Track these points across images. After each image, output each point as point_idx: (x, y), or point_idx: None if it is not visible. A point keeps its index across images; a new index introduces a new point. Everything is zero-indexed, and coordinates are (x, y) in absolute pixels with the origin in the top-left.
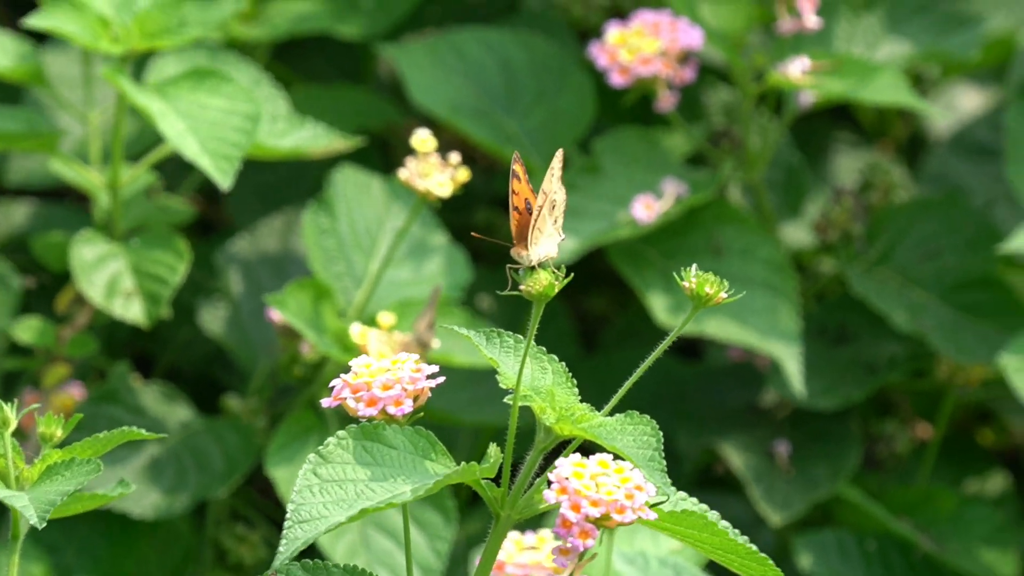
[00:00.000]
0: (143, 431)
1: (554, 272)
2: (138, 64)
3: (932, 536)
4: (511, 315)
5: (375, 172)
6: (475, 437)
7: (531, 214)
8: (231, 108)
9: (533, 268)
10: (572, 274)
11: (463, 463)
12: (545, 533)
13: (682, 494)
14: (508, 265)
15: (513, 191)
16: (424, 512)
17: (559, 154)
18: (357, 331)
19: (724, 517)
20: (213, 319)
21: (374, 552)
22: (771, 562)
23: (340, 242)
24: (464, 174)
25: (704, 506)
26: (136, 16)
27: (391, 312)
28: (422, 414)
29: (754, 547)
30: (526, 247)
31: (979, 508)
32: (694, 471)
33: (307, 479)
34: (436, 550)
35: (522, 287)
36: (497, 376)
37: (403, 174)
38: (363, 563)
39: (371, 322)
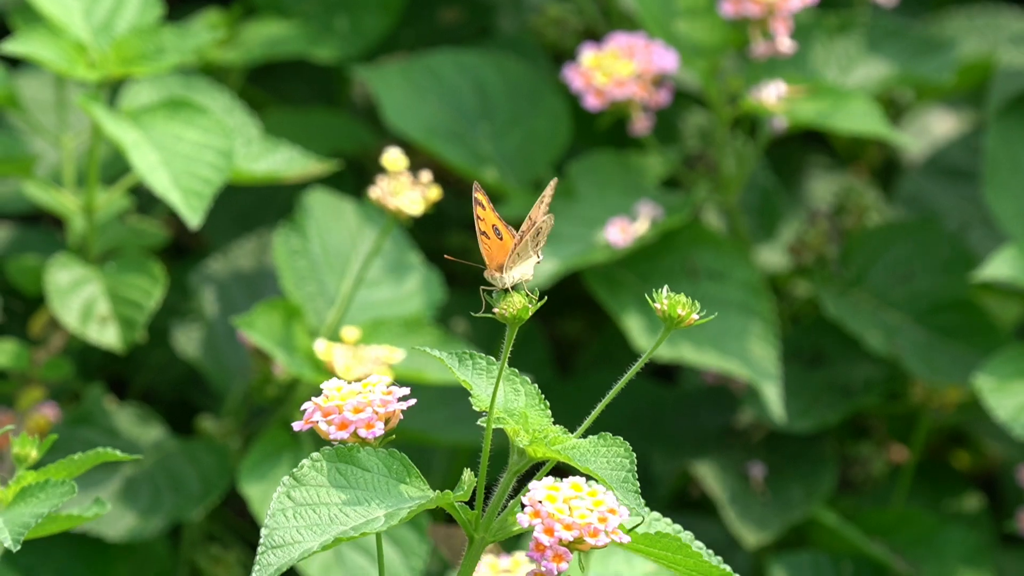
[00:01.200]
0: (118, 452)
1: (528, 295)
2: (113, 88)
3: (907, 558)
4: (486, 338)
5: (350, 195)
6: (451, 457)
7: (500, 238)
8: (205, 142)
9: (507, 290)
10: (546, 297)
11: (437, 491)
12: (520, 556)
13: (656, 515)
14: (482, 287)
15: (478, 217)
16: (398, 529)
17: (553, 182)
18: (322, 347)
19: (699, 539)
20: (187, 341)
21: (349, 569)
22: None
23: (312, 263)
24: (435, 192)
25: (678, 527)
26: (114, 42)
27: (363, 332)
28: (394, 436)
29: (728, 568)
30: (500, 270)
31: (954, 530)
32: (669, 493)
33: (281, 502)
34: (411, 567)
35: (496, 310)
36: (470, 399)
37: (374, 193)
38: None
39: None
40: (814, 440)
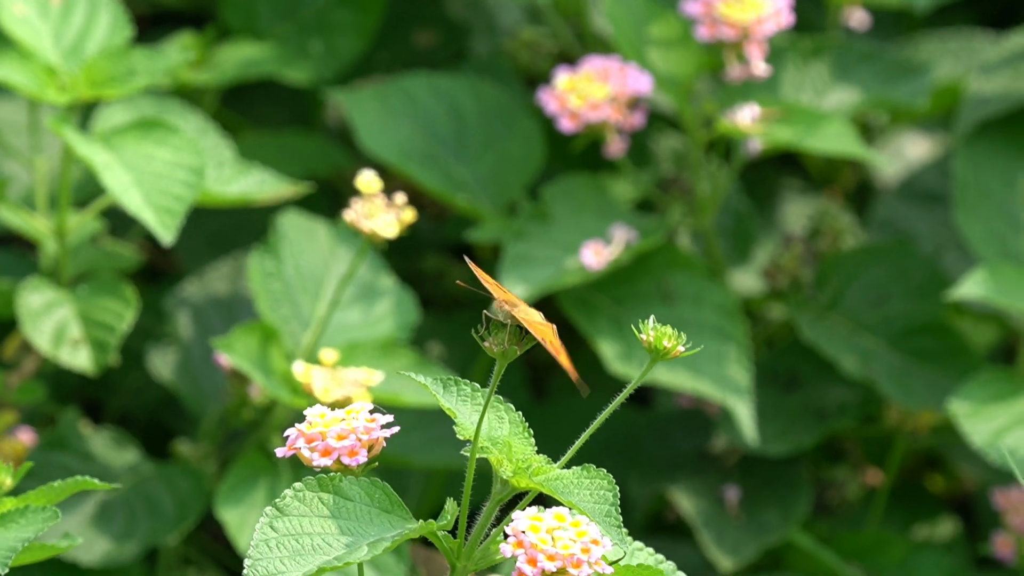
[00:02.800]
0: (96, 480)
1: (521, 334)
2: (86, 110)
3: None
4: (460, 362)
5: (323, 218)
6: (426, 480)
7: (503, 292)
8: (177, 160)
9: (504, 325)
10: (536, 341)
11: (420, 521)
12: None
13: (638, 544)
14: (485, 311)
15: (484, 282)
16: None
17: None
18: (300, 369)
19: (674, 562)
20: (163, 364)
21: None
22: None
23: (286, 285)
24: (410, 215)
25: (660, 556)
26: (83, 65)
27: (340, 355)
28: (376, 464)
29: None
30: (509, 304)
31: (929, 554)
32: (645, 517)
33: (264, 533)
34: None
35: (486, 343)
36: (455, 427)
37: (348, 215)
38: None
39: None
40: (789, 464)
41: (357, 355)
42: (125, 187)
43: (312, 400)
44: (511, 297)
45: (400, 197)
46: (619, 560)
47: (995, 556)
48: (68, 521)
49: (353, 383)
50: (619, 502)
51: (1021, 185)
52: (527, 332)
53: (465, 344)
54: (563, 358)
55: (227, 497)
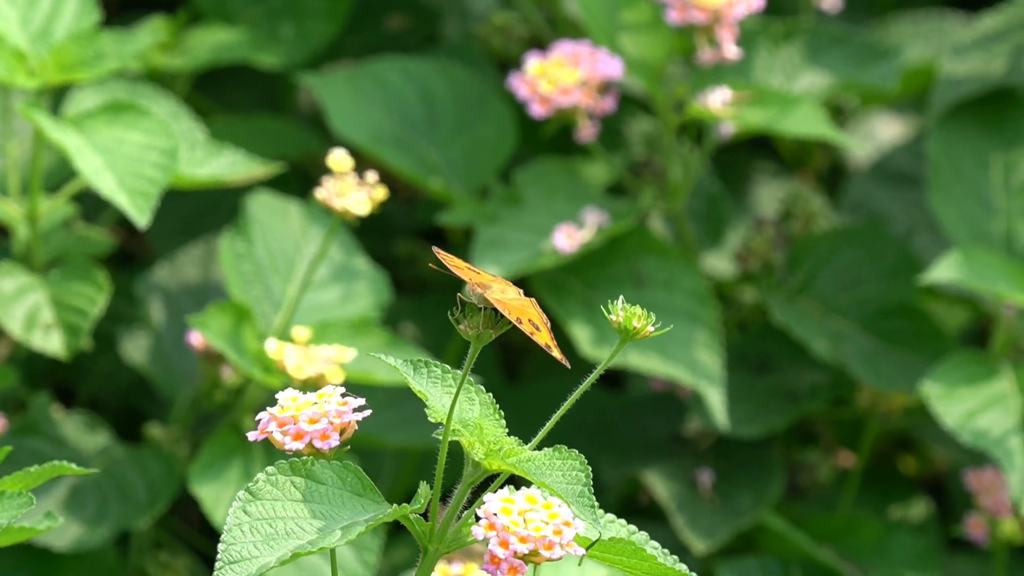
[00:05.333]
0: (72, 465)
1: (496, 317)
2: (57, 94)
3: (856, 564)
4: (433, 341)
5: (295, 198)
6: (400, 458)
7: (477, 273)
8: (149, 143)
9: (479, 308)
10: (511, 323)
11: (394, 505)
12: (472, 566)
13: (610, 517)
14: (459, 294)
15: (453, 268)
16: None
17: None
18: (273, 347)
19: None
20: (134, 348)
21: (303, 567)
22: None
23: (257, 267)
24: (381, 193)
25: (632, 528)
26: (52, 49)
27: (311, 334)
28: (348, 448)
29: (684, 567)
30: (482, 287)
31: (902, 535)
32: (618, 500)
33: (237, 517)
34: (364, 561)
35: (461, 326)
36: (426, 410)
37: (320, 194)
38: None
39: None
40: (761, 446)
41: (329, 334)
42: (98, 171)
43: (285, 378)
44: (484, 278)
45: (372, 175)
46: (594, 543)
47: (967, 537)
48: (40, 506)
49: (326, 360)
50: (591, 483)
51: (994, 166)
52: (503, 315)
53: (437, 326)
54: (543, 335)
55: (201, 474)
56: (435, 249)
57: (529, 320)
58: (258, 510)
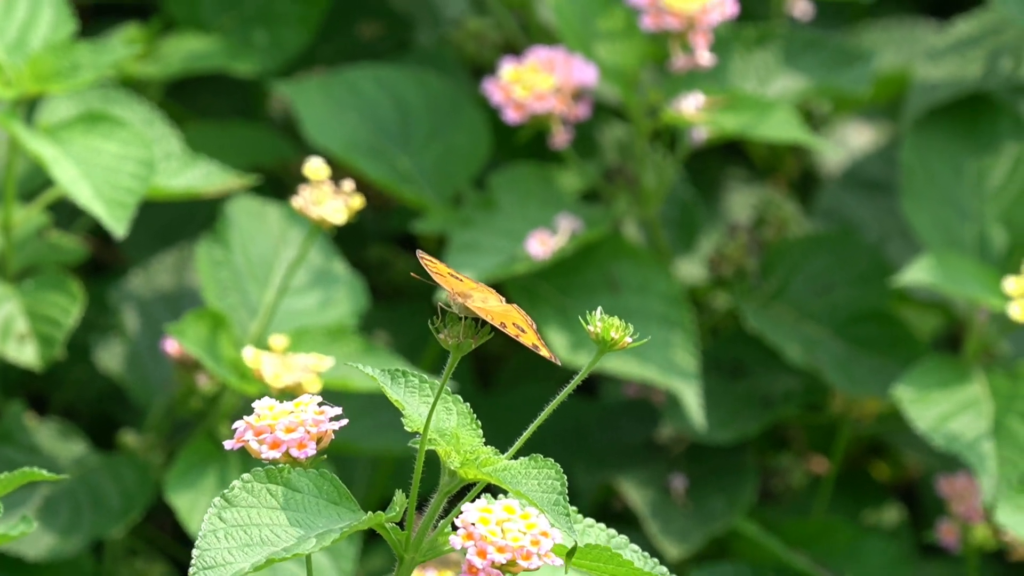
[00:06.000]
0: (44, 472)
1: (475, 326)
2: (31, 102)
3: (829, 568)
4: (408, 348)
5: (274, 200)
6: (374, 465)
7: (459, 280)
8: (125, 153)
9: (459, 317)
10: (492, 333)
11: (369, 512)
12: (448, 575)
13: (589, 521)
14: (440, 302)
15: (434, 273)
16: None
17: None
18: (250, 355)
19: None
20: (109, 357)
21: (279, 574)
22: None
23: (235, 273)
24: (358, 201)
25: (612, 531)
26: (28, 59)
27: (288, 340)
28: (325, 457)
29: (664, 569)
30: (462, 296)
31: (875, 541)
32: (592, 506)
33: (212, 523)
34: (341, 569)
35: (441, 335)
36: (402, 419)
37: (297, 202)
38: None
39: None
40: (734, 452)
41: (306, 341)
42: (75, 180)
43: (262, 385)
44: (467, 285)
45: (348, 183)
46: (572, 551)
47: (940, 543)
48: (13, 516)
49: (303, 369)
50: (567, 492)
51: (967, 172)
52: (484, 324)
53: (412, 333)
54: (529, 336)
55: (177, 483)
56: (419, 253)
57: (514, 323)
58: (233, 517)
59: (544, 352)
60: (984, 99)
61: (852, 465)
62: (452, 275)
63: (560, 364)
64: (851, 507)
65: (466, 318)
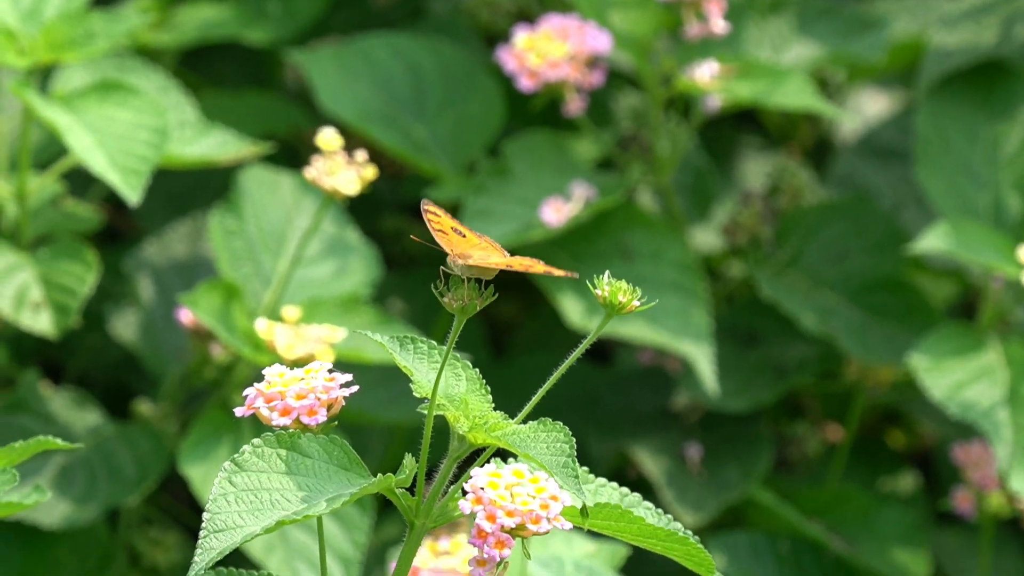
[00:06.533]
0: (58, 440)
1: (478, 288)
2: (44, 72)
3: (844, 537)
4: (422, 317)
5: (287, 169)
6: (388, 436)
7: (462, 236)
8: (139, 121)
9: (462, 280)
10: (497, 294)
11: (379, 475)
12: (460, 538)
13: (601, 481)
14: (443, 267)
15: (433, 226)
16: None
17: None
18: (263, 326)
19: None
20: (123, 326)
21: (292, 546)
22: (692, 540)
23: (248, 243)
24: (371, 172)
25: (625, 490)
26: (42, 28)
27: (301, 312)
28: (336, 423)
29: (678, 525)
30: (463, 258)
31: (890, 509)
32: (606, 475)
33: (223, 488)
34: (354, 541)
35: (445, 299)
36: (411, 385)
37: (309, 173)
38: (280, 557)
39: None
40: (749, 420)
41: (319, 312)
42: (89, 149)
43: (275, 357)
44: (469, 242)
45: (361, 154)
46: (583, 510)
47: (955, 511)
48: (28, 485)
49: (316, 340)
50: (576, 454)
51: (982, 139)
52: (488, 285)
53: (425, 301)
54: (538, 266)
55: (190, 453)
56: (423, 203)
57: (520, 263)
58: (243, 481)
59: (558, 272)
60: (999, 66)
61: (867, 433)
62: (455, 229)
63: (577, 277)
64: (866, 475)
65: (470, 280)
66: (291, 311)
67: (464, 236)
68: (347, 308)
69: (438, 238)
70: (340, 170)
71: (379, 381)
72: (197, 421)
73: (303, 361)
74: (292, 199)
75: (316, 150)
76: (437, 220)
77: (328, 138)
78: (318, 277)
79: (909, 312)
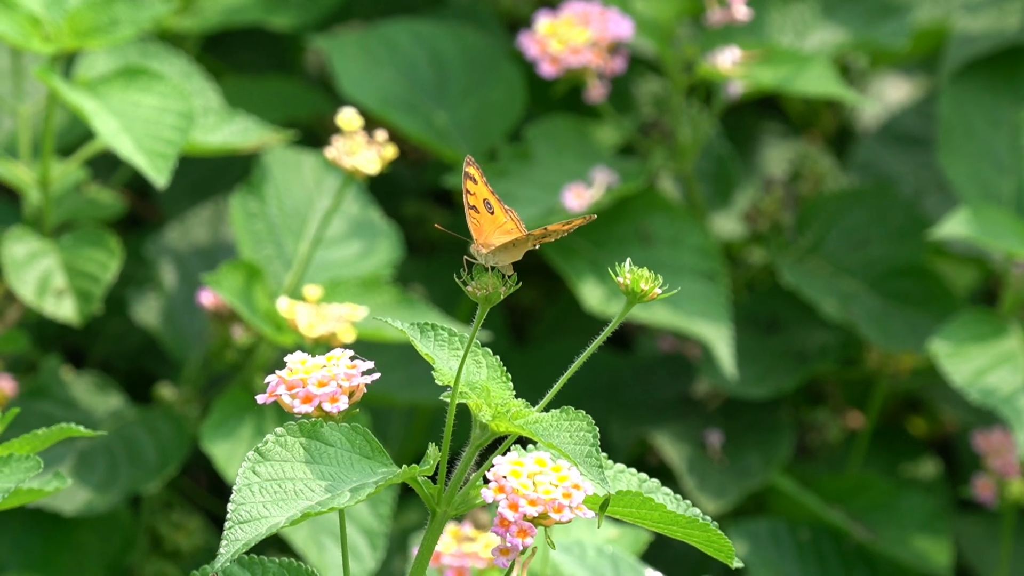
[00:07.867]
0: (81, 428)
1: (503, 277)
2: (68, 58)
3: (865, 524)
4: (443, 299)
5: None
6: (408, 418)
7: (491, 213)
8: (164, 106)
9: (485, 269)
10: (520, 283)
11: (403, 466)
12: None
13: (620, 467)
14: (466, 256)
15: (467, 191)
16: None
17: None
18: (285, 305)
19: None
20: (145, 310)
21: (318, 521)
22: (712, 527)
23: (270, 225)
24: (391, 151)
25: (644, 475)
26: (67, 15)
27: (322, 291)
28: (358, 411)
29: (697, 511)
30: (486, 246)
31: (911, 496)
32: (627, 462)
33: (247, 477)
34: (379, 514)
35: (469, 287)
36: (433, 372)
37: (330, 153)
38: (307, 533)
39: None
40: (770, 407)
41: (340, 291)
42: (116, 133)
43: (296, 336)
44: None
45: (381, 134)
46: (606, 501)
47: (976, 498)
48: (50, 471)
49: (337, 319)
50: (599, 444)
51: (1005, 125)
52: (510, 275)
53: (446, 287)
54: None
55: (213, 432)
56: (468, 159)
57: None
58: (267, 471)
59: (577, 222)
60: (1022, 51)
61: (888, 420)
62: (486, 203)
63: (596, 218)
64: (887, 462)
65: (493, 268)
66: (312, 290)
67: (492, 213)
68: (368, 288)
69: (469, 218)
70: (360, 150)
71: (399, 362)
72: (219, 400)
73: (324, 340)
74: (314, 179)
75: (338, 133)
76: (474, 188)
77: (348, 118)
78: (340, 258)
79: (930, 298)
